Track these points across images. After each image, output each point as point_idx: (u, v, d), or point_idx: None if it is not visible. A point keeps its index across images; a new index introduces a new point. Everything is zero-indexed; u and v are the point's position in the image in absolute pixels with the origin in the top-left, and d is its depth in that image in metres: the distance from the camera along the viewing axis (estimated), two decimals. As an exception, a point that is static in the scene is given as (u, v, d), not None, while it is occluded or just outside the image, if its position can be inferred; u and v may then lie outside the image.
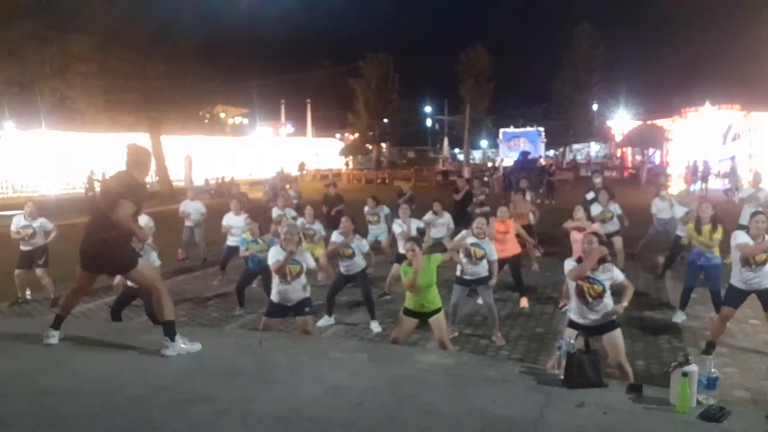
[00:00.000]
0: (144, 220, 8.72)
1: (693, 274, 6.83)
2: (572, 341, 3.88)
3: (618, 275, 4.61)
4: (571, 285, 4.64)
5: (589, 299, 4.51)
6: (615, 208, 9.07)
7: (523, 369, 4.20)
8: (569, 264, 4.73)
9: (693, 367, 3.44)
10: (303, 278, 5.57)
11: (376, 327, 6.83)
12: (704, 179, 23.28)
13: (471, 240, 6.37)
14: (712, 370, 3.50)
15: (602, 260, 4.57)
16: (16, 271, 8.15)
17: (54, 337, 4.60)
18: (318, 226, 8.80)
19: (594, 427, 3.26)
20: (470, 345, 6.28)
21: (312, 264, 5.71)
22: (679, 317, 6.85)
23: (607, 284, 4.54)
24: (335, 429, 3.31)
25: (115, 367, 4.27)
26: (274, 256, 5.55)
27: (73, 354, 4.52)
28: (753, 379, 5.16)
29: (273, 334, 5.44)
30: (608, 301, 4.54)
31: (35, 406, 3.64)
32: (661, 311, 7.32)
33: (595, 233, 4.88)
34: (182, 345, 4.47)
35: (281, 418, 3.43)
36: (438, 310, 5.31)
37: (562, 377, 3.80)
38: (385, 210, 9.91)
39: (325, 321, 7.04)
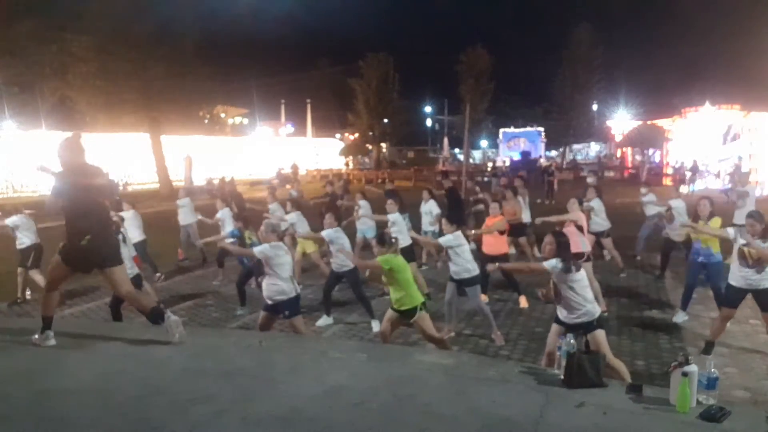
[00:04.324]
0: (129, 214, 8.89)
1: (694, 273, 6.80)
2: (572, 341, 3.88)
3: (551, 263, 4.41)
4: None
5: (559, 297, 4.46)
6: (594, 202, 9.20)
7: (523, 369, 4.19)
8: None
9: (693, 367, 3.43)
10: (277, 279, 5.45)
11: (376, 326, 6.81)
12: (679, 180, 22.55)
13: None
14: (712, 370, 3.50)
15: (577, 257, 4.48)
16: (18, 269, 8.38)
17: (52, 338, 4.66)
18: (290, 216, 8.98)
19: (594, 427, 3.26)
20: (470, 345, 6.28)
21: (280, 261, 5.48)
22: (680, 317, 6.84)
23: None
24: (335, 429, 3.31)
25: (115, 367, 4.27)
26: None
27: (73, 354, 4.53)
28: (753, 379, 5.15)
29: (273, 334, 5.45)
30: (576, 299, 4.38)
31: (35, 406, 3.64)
32: (661, 311, 7.32)
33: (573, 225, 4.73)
34: (173, 318, 4.67)
35: (281, 418, 3.43)
36: (413, 310, 5.29)
37: (562, 377, 3.80)
38: (366, 208, 9.93)
39: (324, 321, 7.05)
